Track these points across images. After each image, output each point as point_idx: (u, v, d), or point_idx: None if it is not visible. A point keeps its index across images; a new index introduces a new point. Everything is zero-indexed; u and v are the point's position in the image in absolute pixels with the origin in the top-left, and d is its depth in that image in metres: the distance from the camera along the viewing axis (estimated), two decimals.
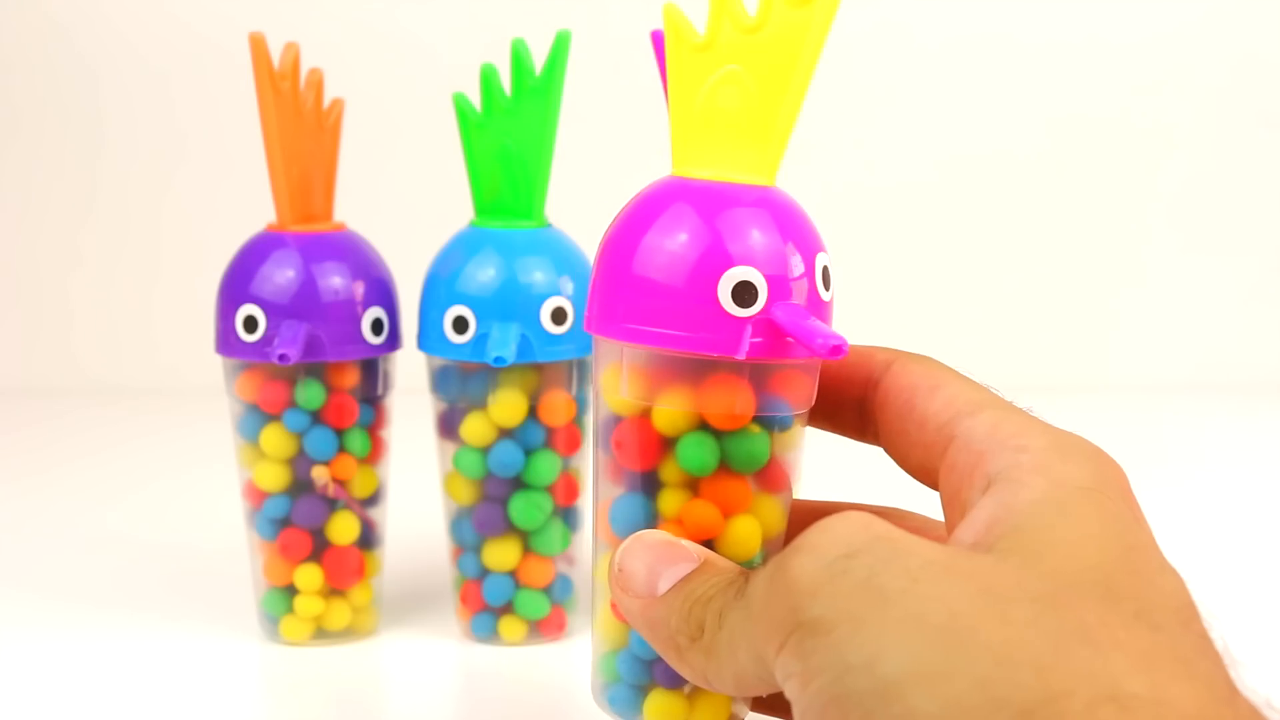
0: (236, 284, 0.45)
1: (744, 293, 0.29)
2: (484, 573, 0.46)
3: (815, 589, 0.24)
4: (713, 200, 0.30)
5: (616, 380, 0.31)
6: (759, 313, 0.29)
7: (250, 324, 0.45)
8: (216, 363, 0.47)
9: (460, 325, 0.44)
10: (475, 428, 0.45)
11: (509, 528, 0.46)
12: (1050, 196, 0.93)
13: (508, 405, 0.44)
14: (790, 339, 0.29)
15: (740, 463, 0.30)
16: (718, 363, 0.30)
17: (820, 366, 0.32)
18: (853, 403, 0.33)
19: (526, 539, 0.46)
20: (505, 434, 0.45)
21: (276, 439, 0.45)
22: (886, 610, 0.24)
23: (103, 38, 0.92)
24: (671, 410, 0.30)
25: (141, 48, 0.92)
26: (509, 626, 0.47)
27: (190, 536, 0.59)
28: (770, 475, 0.31)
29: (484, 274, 0.44)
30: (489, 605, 0.46)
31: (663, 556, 0.29)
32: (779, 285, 0.29)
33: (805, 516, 0.32)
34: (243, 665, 0.46)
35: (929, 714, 0.22)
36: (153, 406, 0.86)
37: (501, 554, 0.46)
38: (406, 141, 0.88)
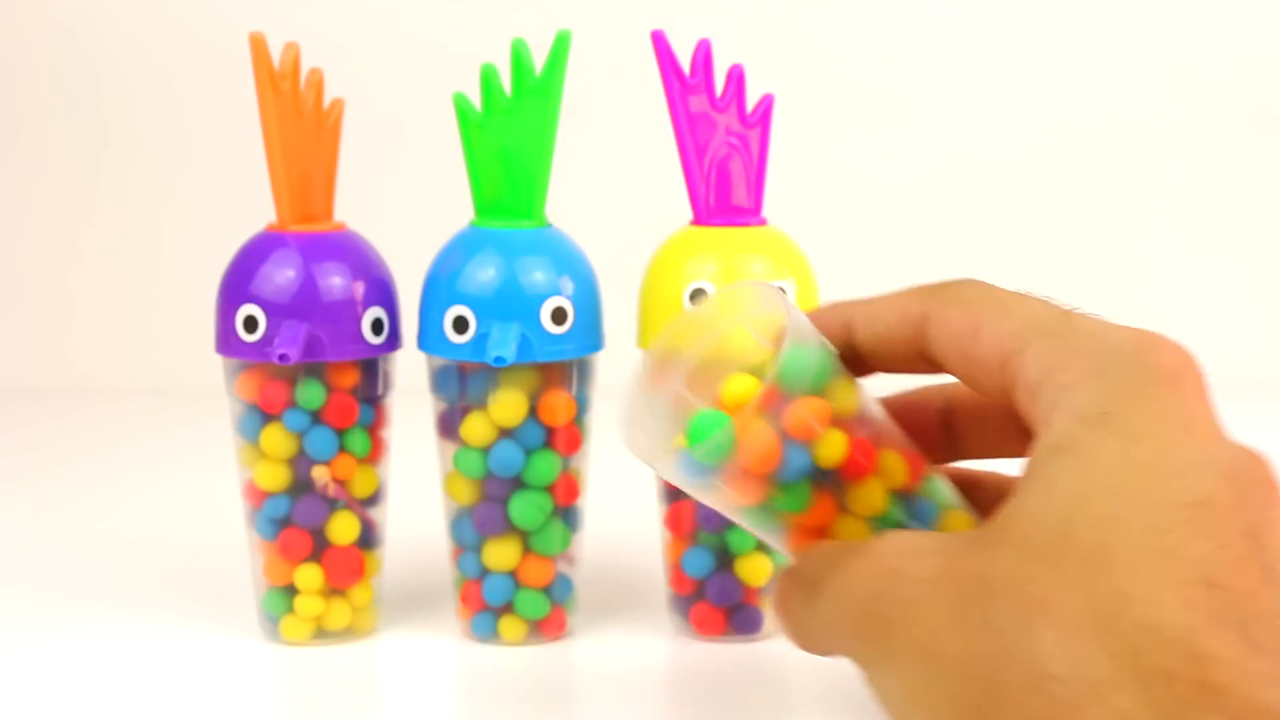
0: (236, 284, 0.45)
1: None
2: (484, 573, 0.46)
3: (849, 634, 0.28)
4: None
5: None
6: None
7: (250, 324, 0.44)
8: (216, 363, 0.47)
9: (460, 325, 0.44)
10: (475, 428, 0.45)
11: (509, 528, 0.46)
12: (1049, 197, 0.93)
13: (508, 405, 0.44)
14: None
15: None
16: None
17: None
18: (916, 357, 0.33)
19: (526, 539, 0.46)
20: (505, 434, 0.45)
21: (276, 439, 0.45)
22: (889, 644, 0.27)
23: (104, 37, 0.92)
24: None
25: (143, 47, 0.92)
26: (509, 626, 0.47)
27: (190, 537, 0.59)
28: None
29: (484, 274, 0.44)
30: (489, 605, 0.46)
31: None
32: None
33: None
34: (243, 665, 0.46)
35: None
36: (153, 406, 0.86)
37: (501, 554, 0.46)
38: (406, 141, 0.88)
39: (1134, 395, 0.27)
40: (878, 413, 0.34)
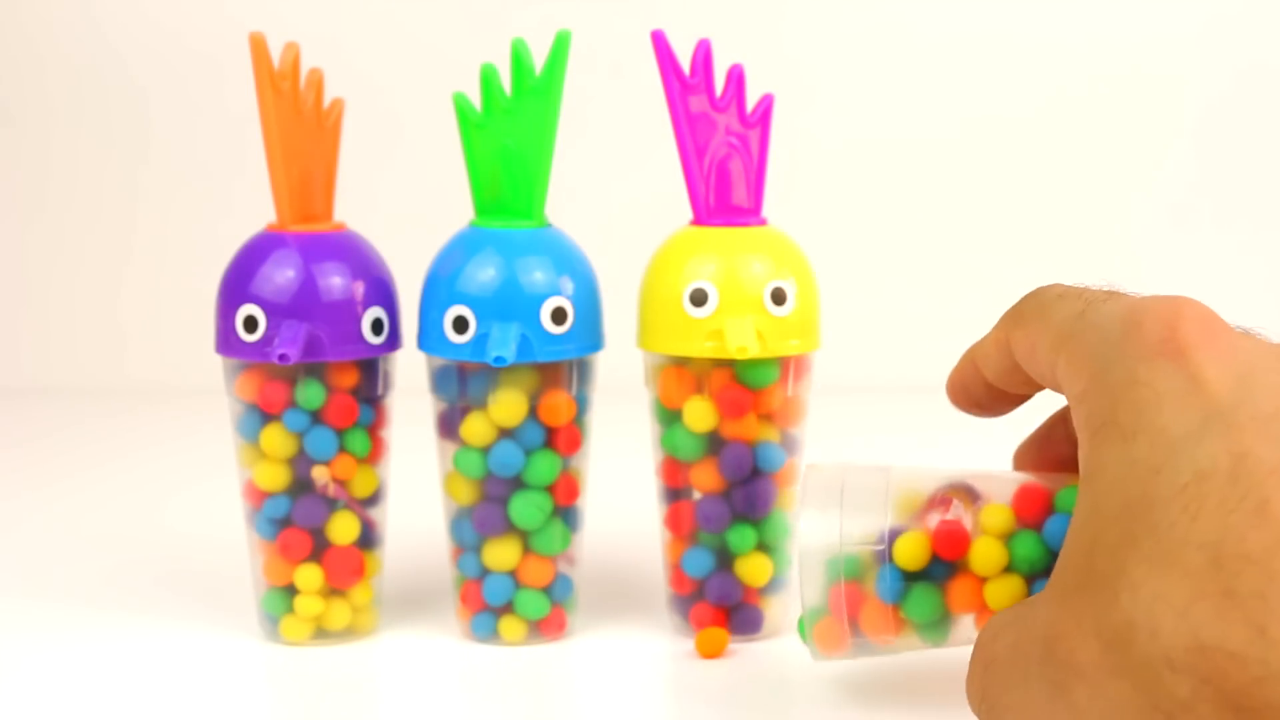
0: (236, 284, 0.45)
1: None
2: (484, 573, 0.46)
3: (978, 705, 0.29)
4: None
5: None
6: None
7: (250, 324, 0.44)
8: (216, 363, 0.47)
9: (460, 325, 0.44)
10: (475, 428, 0.45)
11: (509, 528, 0.46)
12: (1049, 197, 0.93)
13: (508, 405, 0.44)
14: None
15: None
16: None
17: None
18: (1028, 379, 0.33)
19: (526, 539, 0.46)
20: (505, 434, 0.45)
21: (276, 439, 0.45)
22: (999, 701, 0.27)
23: (105, 37, 0.92)
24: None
25: (143, 47, 0.92)
26: (509, 626, 0.47)
27: (190, 537, 0.59)
28: None
29: (484, 274, 0.44)
30: (489, 605, 0.46)
31: None
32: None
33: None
34: (243, 665, 0.46)
35: None
36: (153, 406, 0.86)
37: (501, 554, 0.46)
38: (406, 141, 0.88)
39: (1129, 386, 0.26)
40: (965, 482, 0.36)
